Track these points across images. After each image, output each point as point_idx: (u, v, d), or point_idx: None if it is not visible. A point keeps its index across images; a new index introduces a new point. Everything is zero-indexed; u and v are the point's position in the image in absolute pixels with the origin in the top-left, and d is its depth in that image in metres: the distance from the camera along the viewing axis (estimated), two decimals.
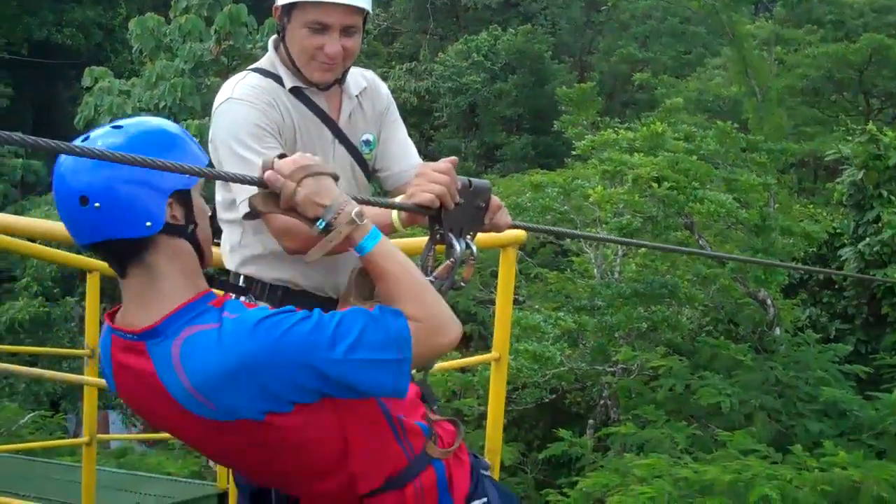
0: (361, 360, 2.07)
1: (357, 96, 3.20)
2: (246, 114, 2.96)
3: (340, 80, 3.15)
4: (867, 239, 10.03)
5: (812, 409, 8.63)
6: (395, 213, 2.60)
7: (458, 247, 2.47)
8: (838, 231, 11.29)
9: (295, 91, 3.09)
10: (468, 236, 2.54)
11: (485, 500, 2.55)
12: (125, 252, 2.11)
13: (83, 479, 5.15)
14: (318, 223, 2.14)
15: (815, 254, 11.34)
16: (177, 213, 2.13)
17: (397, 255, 2.23)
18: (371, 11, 3.08)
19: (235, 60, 18.04)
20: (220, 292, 2.32)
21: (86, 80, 18.20)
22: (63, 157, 2.06)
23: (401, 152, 3.30)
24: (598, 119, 16.23)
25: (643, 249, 11.25)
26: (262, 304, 2.55)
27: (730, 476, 6.60)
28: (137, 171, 2.00)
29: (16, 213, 19.08)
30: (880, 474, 6.48)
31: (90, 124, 18.01)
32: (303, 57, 3.01)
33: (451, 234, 2.48)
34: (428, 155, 23.30)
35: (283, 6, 2.98)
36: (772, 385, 8.88)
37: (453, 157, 2.56)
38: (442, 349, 2.25)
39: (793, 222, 10.46)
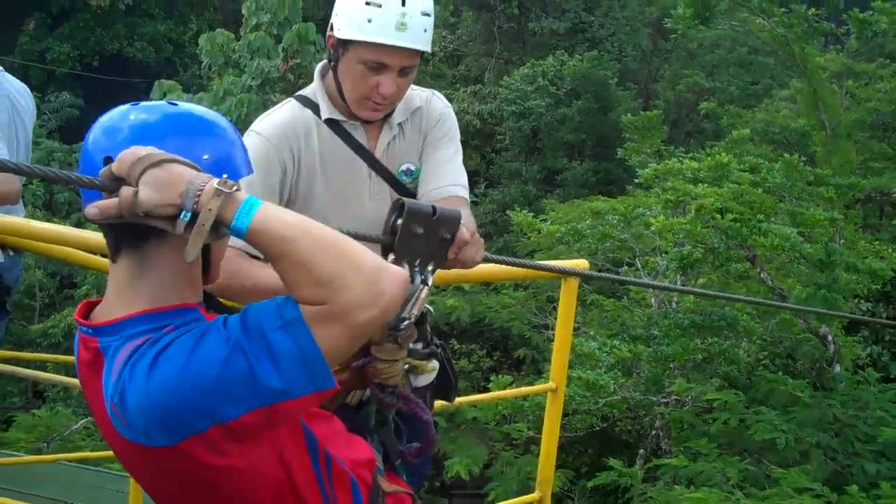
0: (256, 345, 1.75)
1: (400, 124, 3.09)
2: (251, 147, 2.75)
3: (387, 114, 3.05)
4: None
5: (870, 450, 8.42)
6: None
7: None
8: None
9: (331, 122, 3.00)
10: (428, 269, 2.33)
11: None
12: (128, 233, 1.89)
13: (130, 489, 5.15)
14: (181, 216, 1.74)
15: (879, 291, 11.10)
16: None
17: (282, 222, 1.76)
18: (429, 50, 2.97)
19: (301, 78, 18.21)
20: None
21: (155, 94, 18.44)
22: (106, 114, 1.95)
23: (433, 172, 3.12)
24: (662, 147, 16.11)
25: (702, 280, 11.12)
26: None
27: None
28: (174, 151, 1.82)
29: (80, 220, 19.40)
30: None
31: None
32: (355, 93, 2.92)
33: (404, 265, 2.27)
34: (489, 178, 23.36)
35: (342, 39, 2.88)
36: (829, 423, 8.69)
37: None
38: (371, 322, 1.77)
39: (858, 259, 10.26)
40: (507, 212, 15.72)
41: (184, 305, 1.94)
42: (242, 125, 17.58)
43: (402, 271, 1.84)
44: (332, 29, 2.92)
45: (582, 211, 14.07)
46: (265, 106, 17.52)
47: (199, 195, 1.73)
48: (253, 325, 1.77)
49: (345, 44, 2.87)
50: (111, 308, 1.95)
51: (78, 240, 3.75)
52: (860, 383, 9.45)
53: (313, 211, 2.96)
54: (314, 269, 1.74)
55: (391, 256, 2.28)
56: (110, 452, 8.18)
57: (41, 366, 9.65)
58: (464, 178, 3.17)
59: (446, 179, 3.10)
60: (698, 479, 8.03)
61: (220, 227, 1.76)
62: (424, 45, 2.88)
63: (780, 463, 8.27)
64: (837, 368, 9.80)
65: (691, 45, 25.69)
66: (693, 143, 21.21)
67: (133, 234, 1.88)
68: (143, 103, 1.97)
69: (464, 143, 3.29)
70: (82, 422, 12.24)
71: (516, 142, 23.53)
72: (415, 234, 2.30)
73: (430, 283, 2.33)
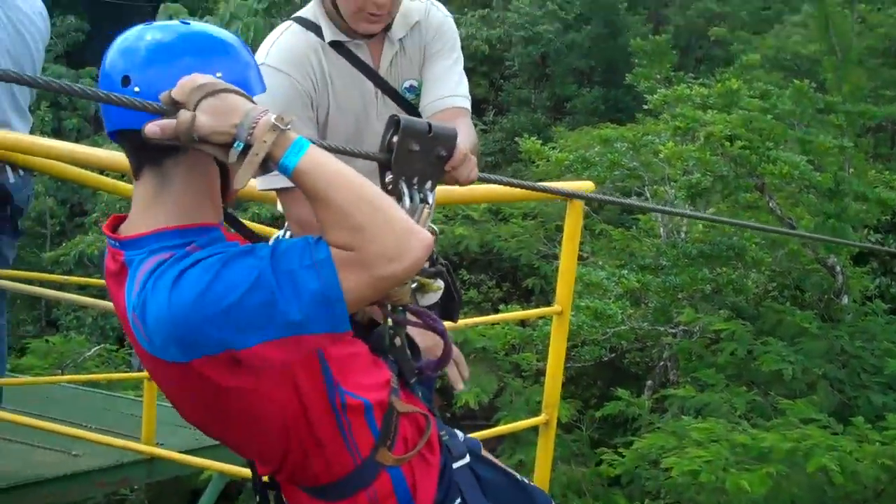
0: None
1: (401, 40, 3.05)
2: (276, 84, 2.82)
3: (386, 27, 3.00)
4: None
5: (877, 381, 8.50)
6: None
7: (407, 199, 2.25)
8: None
9: (335, 45, 2.97)
10: (426, 187, 2.32)
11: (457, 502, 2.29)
12: (148, 148, 1.92)
13: (144, 413, 5.22)
14: (234, 146, 1.81)
15: (888, 222, 11.09)
16: None
17: (327, 168, 1.85)
18: None
19: (307, 2, 18.01)
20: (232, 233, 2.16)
21: (161, 17, 18.30)
22: (122, 36, 2.00)
23: (433, 83, 3.08)
24: (672, 74, 15.97)
25: (711, 209, 11.11)
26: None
27: (789, 444, 6.55)
28: (188, 70, 1.89)
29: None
30: None
31: None
32: (350, 7, 2.86)
33: (402, 183, 2.27)
34: (497, 106, 23.17)
35: None
36: (836, 354, 8.75)
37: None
38: (394, 276, 1.84)
39: (867, 188, 10.22)
40: (516, 139, 15.65)
41: (206, 224, 2.01)
42: (250, 49, 17.52)
43: (429, 235, 1.89)
44: None
45: (591, 138, 13.99)
46: (272, 30, 17.37)
47: (253, 127, 1.80)
48: (283, 259, 1.83)
49: None
50: (136, 223, 2.00)
51: (86, 157, 3.74)
52: (868, 315, 9.49)
53: (328, 134, 2.98)
54: (350, 215, 1.81)
55: (388, 175, 2.28)
56: (120, 375, 8.23)
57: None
58: (464, 88, 3.14)
59: (446, 90, 3.08)
60: (706, 409, 8.11)
61: (268, 162, 1.83)
62: None
63: (787, 394, 8.35)
64: (845, 300, 9.82)
65: None
66: (703, 69, 20.99)
67: (154, 152, 1.95)
68: (157, 23, 2.02)
69: (472, 69, 3.25)
70: (95, 349, 12.37)
71: (525, 68, 23.31)
72: (411, 151, 2.29)
73: (430, 201, 2.32)
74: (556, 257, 12.99)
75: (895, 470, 6.46)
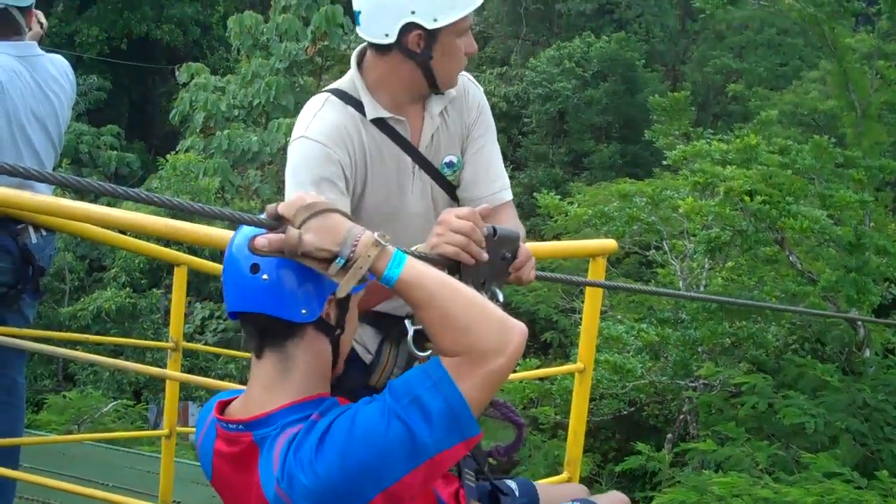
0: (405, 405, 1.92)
1: (441, 113, 3.00)
2: (315, 156, 2.80)
3: (425, 97, 2.96)
4: None
5: None
6: None
7: None
8: None
9: (377, 121, 2.90)
10: (494, 287, 2.40)
11: None
12: (272, 332, 2.10)
13: (161, 470, 5.19)
14: (337, 261, 1.96)
15: None
16: (332, 312, 2.13)
17: (427, 277, 1.98)
18: None
19: (329, 61, 18.25)
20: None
21: (182, 76, 18.50)
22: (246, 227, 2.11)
23: (482, 175, 3.05)
24: (690, 129, 16.01)
25: (730, 263, 11.08)
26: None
27: (812, 499, 6.43)
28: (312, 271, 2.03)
29: (109, 205, 19.50)
30: None
31: (185, 119, 18.39)
32: (456, 67, 2.90)
33: (470, 286, 2.24)
34: (515, 161, 23.31)
35: (438, 28, 2.77)
36: (858, 408, 8.64)
37: (484, 206, 2.45)
38: (502, 369, 1.94)
39: (887, 241, 10.17)
40: (534, 194, 15.70)
41: (322, 395, 2.14)
42: (271, 108, 17.71)
43: (522, 325, 2.00)
44: (410, 29, 2.77)
45: (609, 193, 14.02)
46: (293, 89, 17.56)
47: (356, 244, 1.95)
48: (403, 391, 1.94)
49: (438, 30, 2.78)
50: (258, 402, 2.12)
51: (107, 218, 3.75)
52: (890, 368, 9.39)
53: (361, 208, 2.92)
54: (455, 318, 1.93)
55: (456, 277, 2.28)
56: (138, 433, 8.23)
57: (72, 347, 9.72)
58: (505, 175, 3.16)
59: (496, 184, 3.07)
60: (727, 463, 8.01)
61: (366, 275, 1.99)
62: None
63: (809, 448, 8.24)
64: (867, 353, 9.74)
65: (719, 26, 25.52)
66: (721, 125, 21.06)
67: (277, 335, 2.10)
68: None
69: (492, 132, 3.23)
70: (112, 404, 12.33)
71: (543, 124, 23.48)
72: None
73: (500, 299, 2.40)
74: (574, 311, 12.96)
75: None
